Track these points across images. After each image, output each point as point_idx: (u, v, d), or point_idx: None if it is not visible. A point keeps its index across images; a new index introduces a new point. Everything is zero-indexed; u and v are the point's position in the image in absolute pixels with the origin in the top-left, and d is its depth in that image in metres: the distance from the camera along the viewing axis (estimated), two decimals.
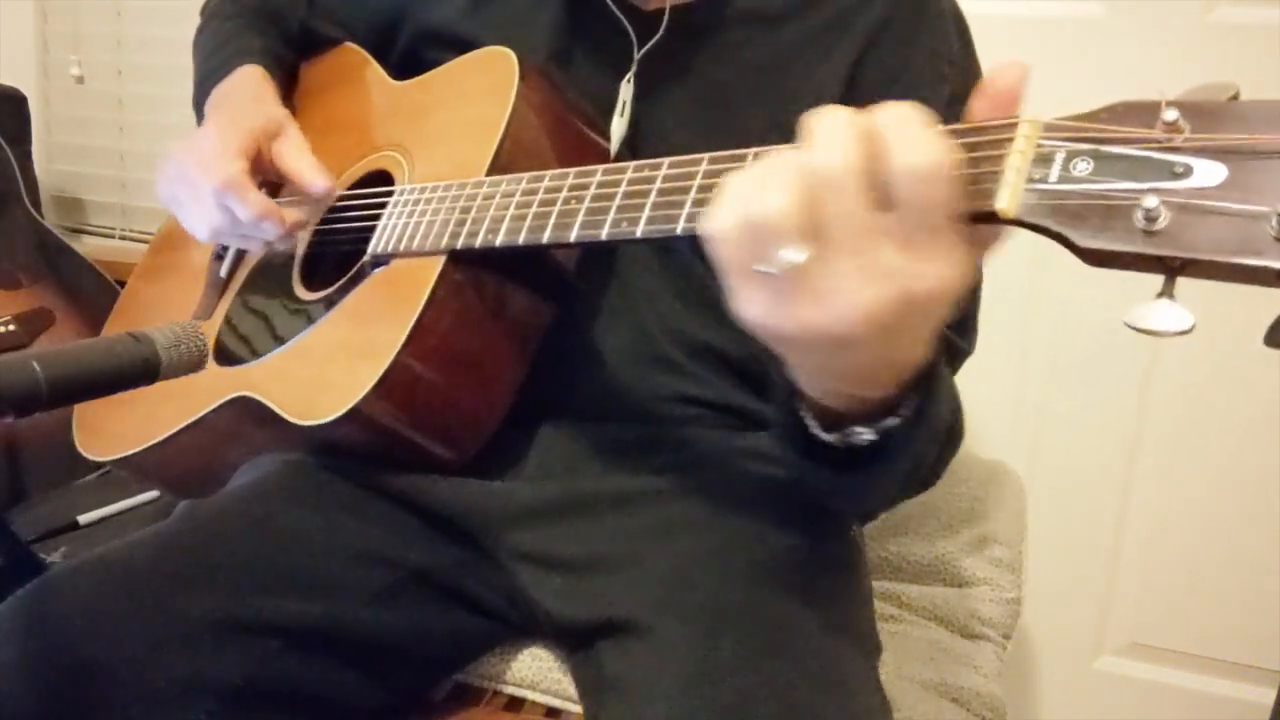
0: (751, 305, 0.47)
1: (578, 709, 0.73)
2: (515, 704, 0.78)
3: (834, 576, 0.73)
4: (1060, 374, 1.33)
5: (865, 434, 0.56)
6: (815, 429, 0.58)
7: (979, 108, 0.46)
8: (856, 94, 0.77)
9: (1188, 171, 0.39)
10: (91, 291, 1.50)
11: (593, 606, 0.70)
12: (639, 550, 0.72)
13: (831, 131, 0.44)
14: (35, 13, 1.86)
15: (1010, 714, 0.93)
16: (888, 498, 0.64)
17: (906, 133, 0.43)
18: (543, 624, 0.75)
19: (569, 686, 0.75)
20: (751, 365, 0.80)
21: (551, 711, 0.77)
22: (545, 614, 0.73)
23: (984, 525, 1.10)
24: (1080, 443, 1.34)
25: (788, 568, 0.70)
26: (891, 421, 0.55)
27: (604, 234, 0.61)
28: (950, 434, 0.64)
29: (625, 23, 0.79)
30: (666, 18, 0.78)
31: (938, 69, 0.77)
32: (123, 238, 1.88)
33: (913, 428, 0.56)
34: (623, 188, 0.60)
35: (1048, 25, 1.24)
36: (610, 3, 0.80)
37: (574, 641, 0.73)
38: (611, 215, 0.60)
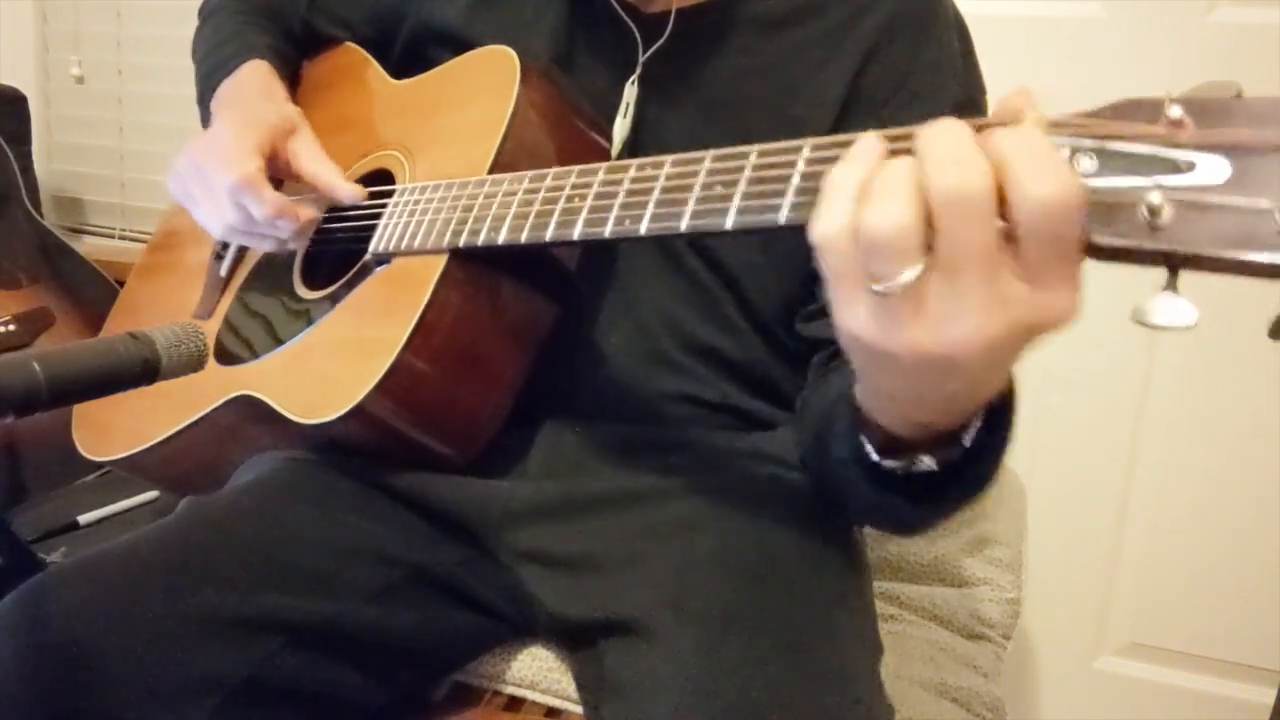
0: (858, 320, 0.45)
1: (578, 709, 0.73)
2: (515, 704, 0.78)
3: (836, 577, 0.73)
4: (1059, 373, 1.33)
5: (927, 463, 0.55)
6: (873, 456, 0.57)
7: None
8: (859, 101, 0.77)
9: (1192, 167, 0.39)
10: (91, 291, 1.50)
11: (594, 606, 0.70)
12: (641, 550, 0.72)
13: (961, 150, 0.41)
14: (35, 13, 1.86)
15: (1010, 714, 0.93)
16: (937, 521, 0.63)
17: (1036, 161, 0.40)
18: (543, 623, 0.75)
19: (568, 686, 0.75)
20: (751, 366, 0.80)
21: (551, 711, 0.77)
22: (546, 613, 0.73)
23: (984, 525, 1.10)
24: (1079, 442, 1.34)
25: (790, 569, 0.70)
26: (955, 451, 0.54)
27: (607, 232, 0.61)
28: None
29: (630, 25, 0.80)
30: (672, 20, 0.79)
31: (940, 77, 0.77)
32: (123, 238, 1.88)
33: (979, 457, 0.54)
34: (625, 185, 0.60)
35: (1048, 25, 1.24)
36: (615, 4, 0.80)
37: (575, 640, 0.73)
38: (615, 213, 0.60)
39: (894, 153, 0.45)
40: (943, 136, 0.42)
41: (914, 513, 0.59)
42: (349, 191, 0.82)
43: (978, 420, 0.53)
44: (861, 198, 0.43)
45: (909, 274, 0.41)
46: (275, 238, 0.82)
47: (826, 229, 0.44)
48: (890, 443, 0.56)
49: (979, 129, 0.43)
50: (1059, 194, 0.39)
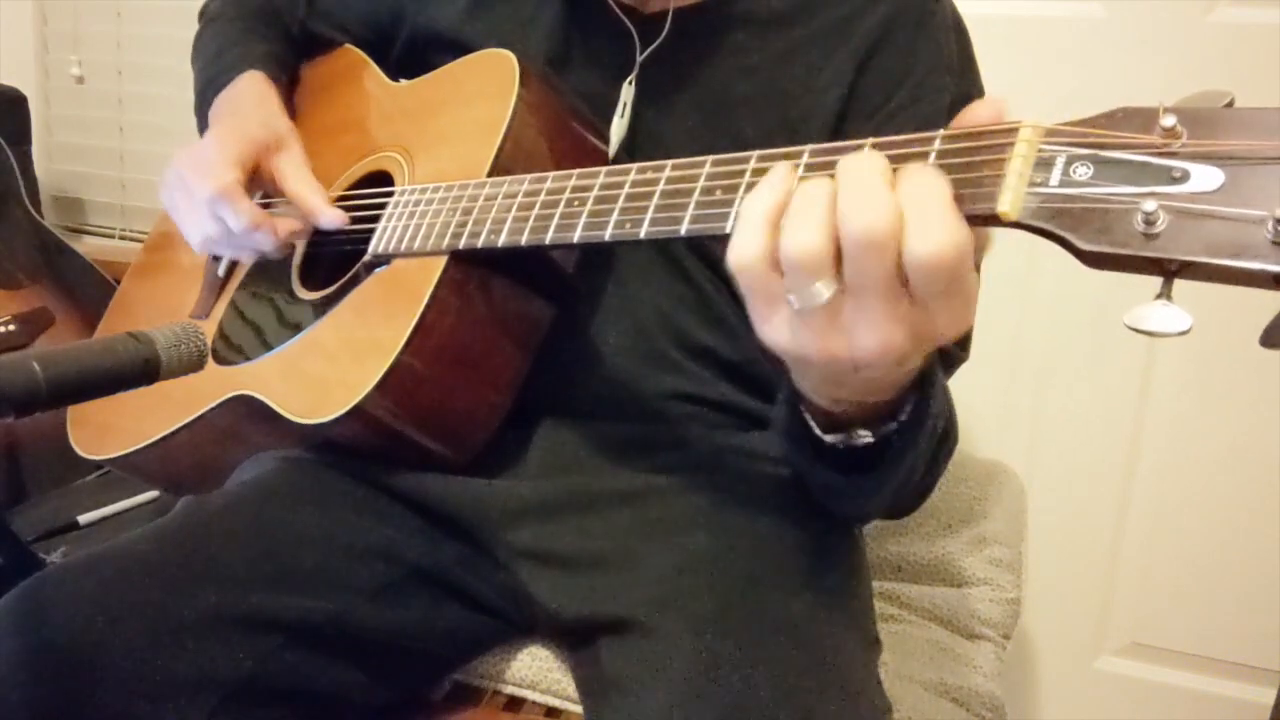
0: (776, 331, 0.49)
1: (577, 709, 0.74)
2: (515, 704, 0.78)
3: (835, 575, 0.73)
4: (1057, 373, 1.33)
5: (865, 436, 0.58)
6: (816, 431, 0.60)
7: None
8: (857, 100, 0.77)
9: (1185, 176, 0.40)
10: (91, 291, 1.50)
11: (592, 604, 0.70)
12: (639, 548, 0.72)
13: (874, 193, 0.44)
14: (35, 13, 1.86)
15: (1010, 714, 0.93)
16: (885, 500, 0.65)
17: (925, 218, 0.43)
18: (542, 622, 0.75)
19: (568, 686, 0.76)
20: (748, 366, 0.81)
21: (551, 711, 0.77)
22: (544, 612, 0.73)
23: (983, 525, 1.10)
24: (1079, 442, 1.34)
25: (788, 566, 0.70)
26: (890, 425, 0.57)
27: (607, 235, 0.61)
28: (945, 438, 0.65)
29: (628, 24, 0.80)
30: (670, 20, 0.78)
31: (938, 78, 0.77)
32: (123, 238, 1.88)
33: (910, 429, 0.57)
34: (626, 189, 0.61)
35: (1048, 25, 1.24)
36: (612, 4, 0.80)
37: (574, 639, 0.73)
38: (615, 217, 0.61)
39: (811, 174, 0.49)
40: (861, 174, 0.45)
41: (851, 487, 0.63)
42: (330, 217, 0.82)
43: (914, 395, 0.56)
44: (775, 223, 0.47)
45: (826, 293, 0.46)
46: (254, 248, 0.83)
47: (741, 255, 0.48)
48: (830, 421, 0.59)
49: (897, 161, 0.46)
50: (938, 253, 0.43)
